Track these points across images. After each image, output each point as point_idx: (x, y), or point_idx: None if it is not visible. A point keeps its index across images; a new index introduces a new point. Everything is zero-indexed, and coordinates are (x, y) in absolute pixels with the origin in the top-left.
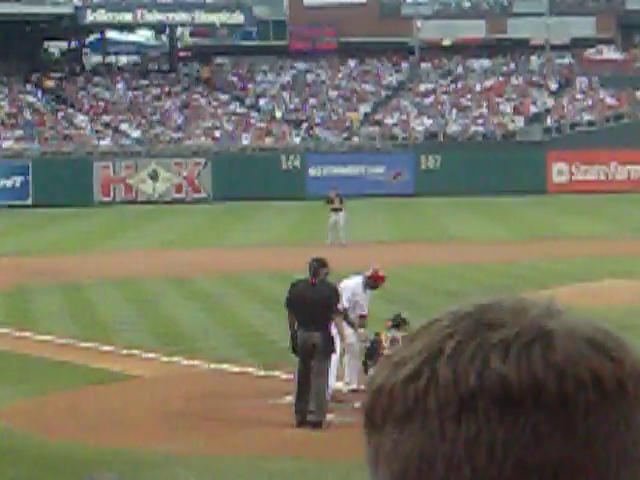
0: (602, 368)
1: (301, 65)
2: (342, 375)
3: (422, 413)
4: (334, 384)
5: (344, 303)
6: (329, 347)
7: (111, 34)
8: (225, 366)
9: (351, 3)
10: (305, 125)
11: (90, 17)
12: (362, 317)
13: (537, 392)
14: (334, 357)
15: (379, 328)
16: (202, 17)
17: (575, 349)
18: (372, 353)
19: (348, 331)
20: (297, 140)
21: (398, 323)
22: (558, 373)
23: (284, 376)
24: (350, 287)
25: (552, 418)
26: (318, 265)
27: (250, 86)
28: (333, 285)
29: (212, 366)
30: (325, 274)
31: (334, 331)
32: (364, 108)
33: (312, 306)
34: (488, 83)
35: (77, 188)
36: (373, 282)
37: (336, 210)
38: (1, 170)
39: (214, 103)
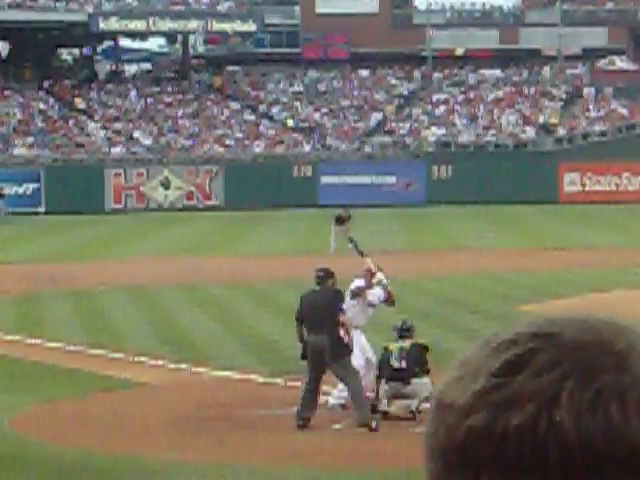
0: None
1: (313, 73)
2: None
3: (542, 467)
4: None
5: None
6: (340, 349)
7: (124, 42)
8: (235, 374)
9: (363, 12)
10: (317, 134)
11: (102, 25)
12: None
13: None
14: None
15: (390, 338)
16: (215, 25)
17: None
18: (383, 366)
19: (363, 342)
20: (309, 149)
21: (402, 333)
22: None
23: (294, 384)
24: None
25: None
26: (324, 275)
27: (262, 94)
28: (337, 288)
29: (222, 374)
30: (332, 284)
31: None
32: (375, 117)
33: (318, 310)
34: (500, 93)
35: (89, 195)
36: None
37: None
38: (13, 177)
39: (226, 111)
